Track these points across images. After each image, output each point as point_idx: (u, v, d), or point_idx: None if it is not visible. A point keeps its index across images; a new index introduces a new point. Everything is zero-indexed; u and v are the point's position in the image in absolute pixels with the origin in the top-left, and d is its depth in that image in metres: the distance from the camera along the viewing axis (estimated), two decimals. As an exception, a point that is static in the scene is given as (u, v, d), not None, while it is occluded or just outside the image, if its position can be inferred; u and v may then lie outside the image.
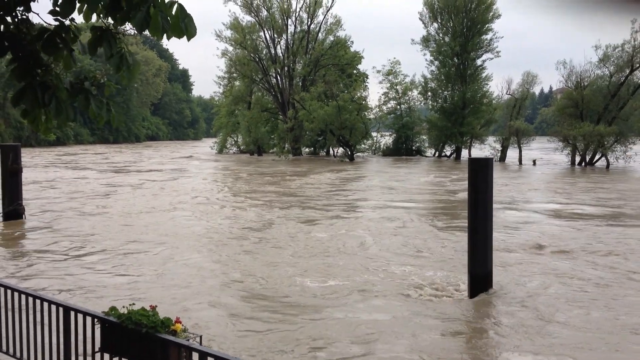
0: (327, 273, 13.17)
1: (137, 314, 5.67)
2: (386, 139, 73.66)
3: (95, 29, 4.32)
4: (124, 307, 5.82)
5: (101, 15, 4.23)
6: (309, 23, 70.43)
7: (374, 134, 72.03)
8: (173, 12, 3.97)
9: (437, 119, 65.15)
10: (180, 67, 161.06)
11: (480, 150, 64.52)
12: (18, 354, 6.47)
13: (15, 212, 20.64)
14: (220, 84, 79.78)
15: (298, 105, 65.08)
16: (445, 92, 65.90)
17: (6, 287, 6.60)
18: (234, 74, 75.30)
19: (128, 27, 4.63)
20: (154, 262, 14.22)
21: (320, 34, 71.32)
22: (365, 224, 20.20)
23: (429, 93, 67.62)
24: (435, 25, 65.29)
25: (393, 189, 32.77)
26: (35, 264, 13.96)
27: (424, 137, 71.02)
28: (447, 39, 64.63)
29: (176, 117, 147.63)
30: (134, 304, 5.81)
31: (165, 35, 3.92)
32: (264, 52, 71.36)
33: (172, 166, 51.14)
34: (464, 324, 9.92)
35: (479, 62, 65.29)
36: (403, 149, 70.39)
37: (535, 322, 9.90)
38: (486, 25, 63.66)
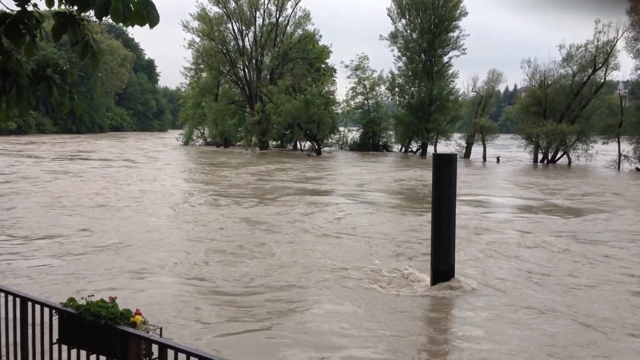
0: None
1: (95, 305, 5.59)
2: (353, 134, 73.91)
3: (59, 15, 4.24)
4: (82, 298, 5.74)
5: (63, 1, 4.16)
6: (278, 16, 70.12)
7: (341, 128, 72.22)
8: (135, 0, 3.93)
9: (404, 115, 65.58)
10: (146, 57, 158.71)
11: (445, 147, 65.20)
12: (-27, 346, 6.33)
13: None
14: (187, 75, 79.04)
15: (266, 99, 64.82)
16: (412, 88, 66.38)
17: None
18: (201, 66, 74.62)
19: (92, 13, 4.57)
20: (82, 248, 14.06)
21: (288, 27, 71.06)
22: (329, 217, 20.28)
23: (397, 89, 68.00)
24: (403, 21, 65.70)
25: (361, 183, 32.93)
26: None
27: (391, 132, 71.42)
28: (414, 35, 65.04)
29: (141, 107, 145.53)
30: (93, 295, 5.74)
31: (128, 23, 3.87)
32: (232, 44, 70.81)
33: (131, 156, 50.55)
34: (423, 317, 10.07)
35: (445, 59, 65.98)
36: (370, 144, 70.69)
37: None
38: (453, 23, 64.26)
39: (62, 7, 4.22)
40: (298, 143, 71.03)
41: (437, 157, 11.96)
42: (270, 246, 15.33)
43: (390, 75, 68.29)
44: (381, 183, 33.77)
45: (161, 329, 5.54)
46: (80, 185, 28.00)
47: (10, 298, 5.99)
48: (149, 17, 3.95)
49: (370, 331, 9.22)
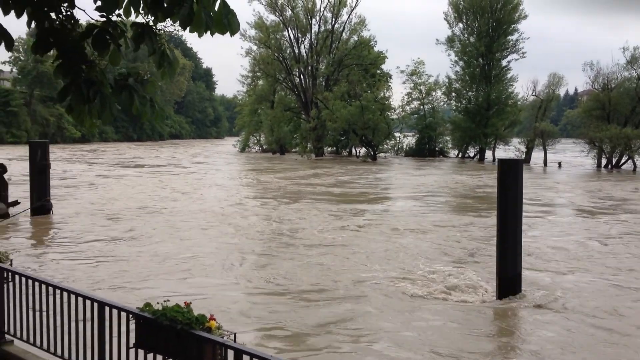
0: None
1: (171, 310, 5.67)
2: (409, 140, 73.38)
3: (137, 26, 4.33)
4: (158, 303, 5.83)
5: (142, 12, 4.25)
6: (333, 23, 70.38)
7: (396, 134, 71.79)
8: (216, 8, 3.96)
9: (461, 120, 64.75)
10: (204, 65, 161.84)
11: (504, 152, 63.95)
12: (52, 349, 6.52)
13: (43, 208, 20.89)
14: (244, 83, 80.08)
15: (321, 105, 65.07)
16: (470, 92, 65.48)
17: (41, 282, 6.66)
18: (258, 73, 75.51)
19: (169, 23, 4.65)
20: (183, 256, 14.30)
21: (344, 34, 71.24)
22: (396, 223, 20.13)
23: (453, 94, 67.25)
24: (461, 25, 65.05)
25: (424, 187, 32.60)
26: (65, 259, 14.11)
27: (447, 138, 70.60)
28: (472, 39, 64.22)
29: (199, 115, 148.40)
30: (168, 300, 5.81)
31: (211, 32, 3.91)
32: (288, 51, 71.45)
33: (194, 163, 51.49)
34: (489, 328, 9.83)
35: (504, 62, 64.85)
36: (426, 149, 70.00)
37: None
38: (512, 26, 63.13)
39: (140, 16, 4.32)
40: (353, 149, 70.97)
41: (503, 162, 11.69)
42: (348, 249, 15.31)
43: (446, 80, 67.63)
44: (445, 187, 33.37)
45: (235, 334, 5.57)
46: (137, 189, 28.74)
47: (89, 303, 6.15)
48: (230, 25, 3.98)
49: (438, 348, 9.06)
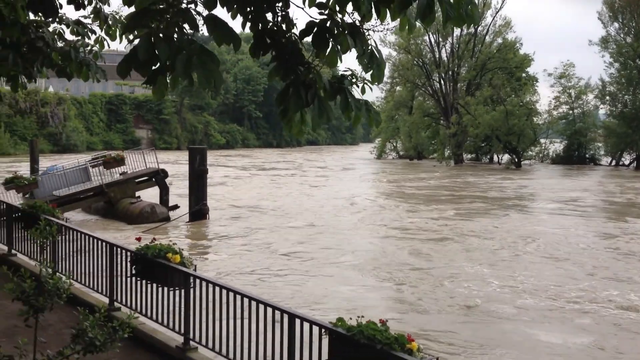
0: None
1: (368, 327, 5.35)
2: (555, 146, 69.43)
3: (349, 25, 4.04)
4: (350, 318, 5.54)
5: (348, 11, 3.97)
6: (477, 25, 68.19)
7: (541, 140, 68.16)
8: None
9: (615, 125, 60.27)
10: (339, 73, 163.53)
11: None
12: (239, 359, 6.43)
13: (200, 212, 21.71)
14: (382, 89, 79.79)
15: (462, 110, 63.32)
16: (626, 96, 60.86)
17: (228, 290, 6.60)
18: (397, 79, 74.91)
19: (374, 22, 4.33)
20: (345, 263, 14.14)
21: (487, 37, 68.83)
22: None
23: (607, 97, 62.77)
24: (616, 25, 60.78)
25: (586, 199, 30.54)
26: (236, 265, 14.44)
27: (599, 144, 66.04)
28: (629, 39, 59.75)
29: (335, 122, 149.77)
30: (362, 316, 5.48)
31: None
32: (428, 56, 70.28)
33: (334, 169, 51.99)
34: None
35: (666, 63, 59.51)
36: (575, 156, 65.78)
37: None
38: (676, 23, 57.92)
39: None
40: (495, 156, 68.28)
41: None
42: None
43: (600, 83, 63.30)
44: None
45: (437, 358, 5.14)
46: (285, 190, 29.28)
47: (278, 313, 5.98)
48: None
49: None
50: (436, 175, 47.48)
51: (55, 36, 7.74)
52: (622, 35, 60.64)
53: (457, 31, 68.36)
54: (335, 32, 3.87)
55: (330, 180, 40.25)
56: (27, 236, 9.89)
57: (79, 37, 7.89)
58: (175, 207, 22.42)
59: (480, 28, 68.18)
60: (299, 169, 51.48)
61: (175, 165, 42.77)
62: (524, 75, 67.66)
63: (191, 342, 7.00)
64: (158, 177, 22.84)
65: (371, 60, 4.18)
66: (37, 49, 7.52)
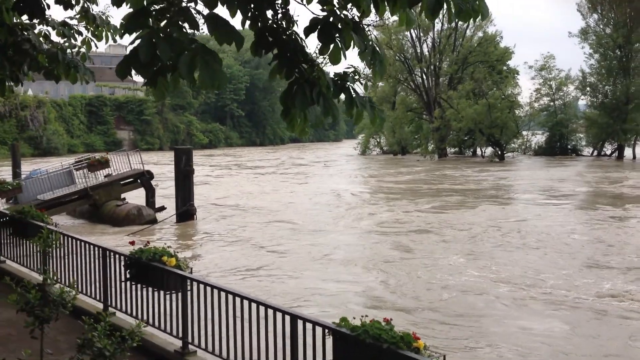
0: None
1: (372, 327, 5.29)
2: (537, 138, 69.91)
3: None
4: (354, 317, 5.48)
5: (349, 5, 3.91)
6: (457, 20, 68.26)
7: (524, 132, 68.56)
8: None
9: (596, 116, 60.86)
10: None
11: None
12: (242, 361, 6.34)
13: (187, 213, 21.53)
14: (364, 85, 79.60)
15: (445, 104, 63.50)
16: (607, 86, 61.47)
17: (227, 292, 6.50)
18: (379, 75, 74.81)
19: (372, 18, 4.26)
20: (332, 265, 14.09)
21: (468, 31, 69.14)
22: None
23: (588, 88, 63.33)
24: (595, 16, 61.30)
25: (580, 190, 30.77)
26: (228, 264, 14.32)
27: (581, 135, 66.63)
28: (608, 30, 60.30)
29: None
30: (366, 315, 5.42)
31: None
32: (410, 51, 70.38)
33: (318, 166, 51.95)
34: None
35: (644, 53, 60.14)
36: (557, 147, 66.25)
37: None
38: (653, 14, 58.48)
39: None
40: (478, 149, 68.60)
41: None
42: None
43: (580, 74, 63.85)
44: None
45: (444, 356, 5.09)
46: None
47: (280, 315, 5.90)
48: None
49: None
50: (427, 168, 47.60)
51: (41, 38, 7.61)
52: (601, 27, 61.22)
53: (437, 26, 68.66)
54: (340, 27, 3.79)
55: (314, 178, 40.19)
56: (17, 243, 9.71)
57: (65, 39, 7.76)
58: (162, 208, 22.22)
59: (460, 22, 68.25)
60: (283, 167, 51.37)
61: (158, 165, 42.44)
62: (505, 68, 68.02)
63: (190, 346, 6.90)
64: (143, 179, 22.62)
65: (373, 57, 4.13)
66: (23, 51, 7.38)
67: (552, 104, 66.90)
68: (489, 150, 64.26)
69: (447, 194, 29.13)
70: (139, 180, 22.74)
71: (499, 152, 60.53)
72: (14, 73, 7.67)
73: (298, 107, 3.85)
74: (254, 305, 6.17)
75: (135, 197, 22.78)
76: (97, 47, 8.23)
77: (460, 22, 56.96)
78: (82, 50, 7.79)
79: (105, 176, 22.17)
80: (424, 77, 69.93)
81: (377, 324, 5.29)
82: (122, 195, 22.36)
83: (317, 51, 4.10)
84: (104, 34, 7.79)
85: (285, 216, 22.03)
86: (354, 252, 15.68)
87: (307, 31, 3.81)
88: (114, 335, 3.68)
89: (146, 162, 24.52)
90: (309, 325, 5.63)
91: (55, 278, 4.47)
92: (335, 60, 3.96)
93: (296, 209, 23.82)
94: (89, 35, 7.84)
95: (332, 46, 3.85)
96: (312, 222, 20.59)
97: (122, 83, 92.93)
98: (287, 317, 5.79)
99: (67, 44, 7.64)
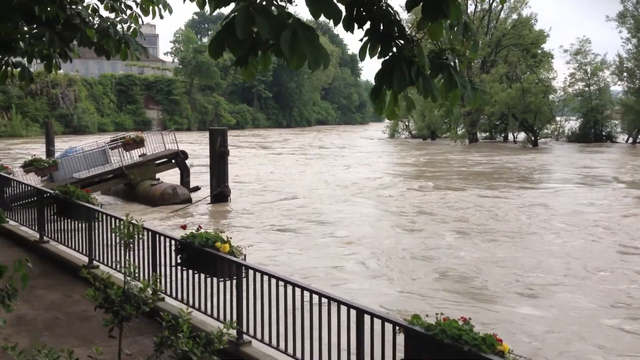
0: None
1: (450, 326, 4.93)
2: (570, 124, 68.49)
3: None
4: (427, 315, 5.13)
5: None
6: (491, 1, 66.97)
7: (557, 118, 67.22)
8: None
9: (633, 102, 59.34)
10: (350, 52, 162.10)
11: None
12: (299, 355, 6.04)
13: (222, 194, 21.32)
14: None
15: (477, 88, 62.36)
16: (645, 72, 59.90)
17: (286, 282, 6.19)
18: (409, 57, 73.85)
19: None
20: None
21: (502, 13, 67.65)
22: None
23: (625, 74, 61.73)
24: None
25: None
26: (273, 249, 14.09)
27: (616, 121, 65.08)
28: (647, 13, 58.60)
29: (344, 101, 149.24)
30: (442, 313, 5.06)
31: None
32: (441, 33, 69.17)
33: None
34: None
35: (686, 38, 58.46)
36: (591, 134, 64.83)
37: None
38: (697, -4, 56.73)
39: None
40: (510, 134, 67.43)
41: None
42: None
43: (617, 59, 62.22)
44: None
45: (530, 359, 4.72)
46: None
47: (344, 308, 5.57)
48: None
49: None
50: (474, 154, 46.93)
51: (89, 12, 7.32)
52: (640, 10, 59.56)
53: (471, 7, 67.29)
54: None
55: (347, 160, 39.83)
56: (61, 223, 9.53)
57: (115, 12, 7.47)
58: (196, 188, 22.08)
59: (494, 4, 66.99)
60: (313, 149, 51.05)
61: (187, 145, 42.33)
62: (539, 51, 66.58)
63: (245, 336, 6.62)
64: (178, 159, 22.48)
65: (466, 31, 3.73)
66: (73, 26, 7.09)
67: (586, 89, 65.38)
68: (520, 136, 63.14)
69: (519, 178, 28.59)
70: (173, 160, 22.60)
71: (532, 138, 59.40)
72: (62, 49, 7.39)
73: (395, 88, 3.47)
74: (315, 297, 5.85)
75: (168, 177, 22.64)
76: (142, 22, 7.92)
77: (494, 4, 55.13)
78: (133, 25, 7.48)
79: (140, 156, 22.06)
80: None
81: (455, 323, 4.93)
82: (157, 175, 22.25)
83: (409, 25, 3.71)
84: (150, 8, 7.47)
85: (321, 200, 21.75)
86: (402, 239, 15.36)
87: (410, 4, 3.39)
88: (199, 337, 3.38)
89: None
90: (376, 321, 5.29)
91: (135, 273, 4.14)
92: (436, 36, 3.57)
93: (332, 193, 23.52)
94: (137, 10, 7.52)
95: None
96: (351, 205, 20.29)
97: (151, 62, 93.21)
98: (353, 311, 5.46)
99: (118, 18, 7.33)
